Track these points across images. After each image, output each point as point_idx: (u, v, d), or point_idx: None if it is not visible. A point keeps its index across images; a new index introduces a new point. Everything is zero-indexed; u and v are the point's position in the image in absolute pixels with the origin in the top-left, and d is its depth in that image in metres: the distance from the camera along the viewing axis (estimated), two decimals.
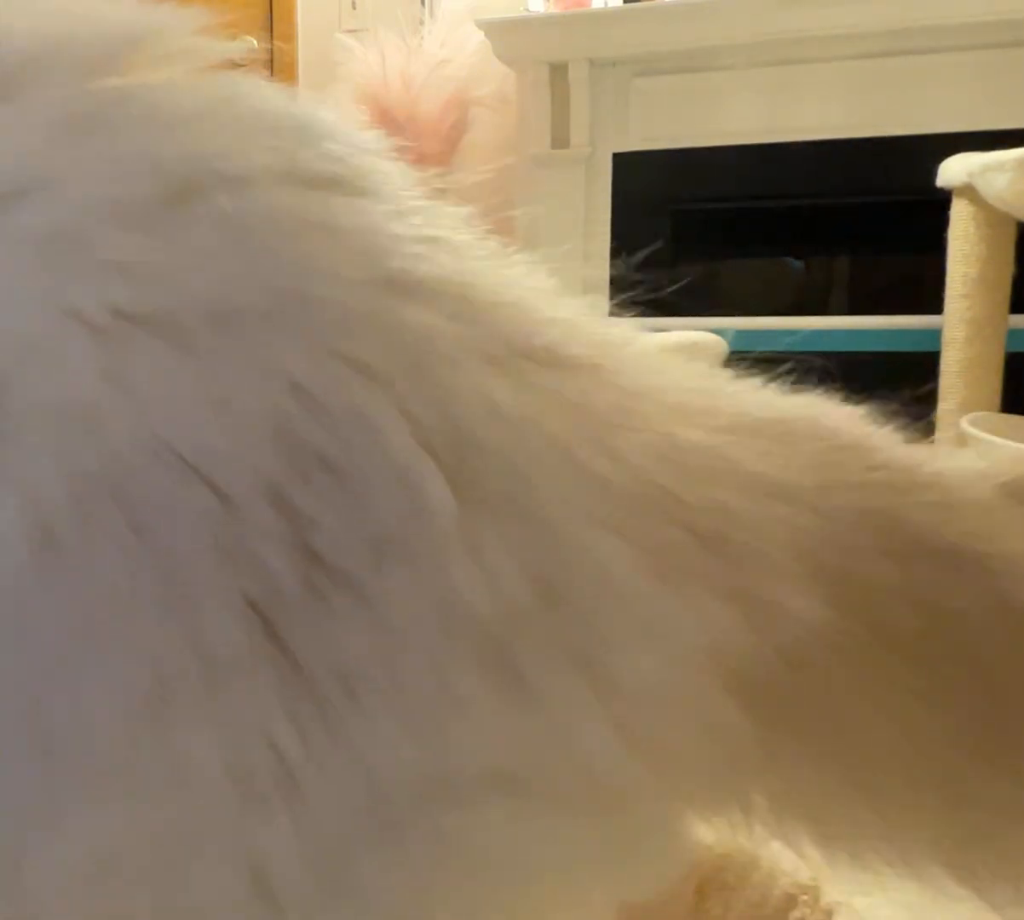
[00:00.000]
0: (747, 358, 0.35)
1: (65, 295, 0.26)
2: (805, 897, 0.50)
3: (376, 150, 0.33)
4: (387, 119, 2.20)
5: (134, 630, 0.24)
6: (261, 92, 0.32)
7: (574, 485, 0.27)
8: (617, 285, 0.36)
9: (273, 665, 0.24)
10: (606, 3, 2.20)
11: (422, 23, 2.35)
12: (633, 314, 0.34)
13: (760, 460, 0.30)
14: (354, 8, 2.56)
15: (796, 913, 0.49)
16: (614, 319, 0.35)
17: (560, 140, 2.15)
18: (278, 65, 2.61)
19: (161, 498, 0.25)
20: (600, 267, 2.19)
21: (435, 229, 0.31)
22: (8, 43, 0.29)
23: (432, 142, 2.23)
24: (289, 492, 0.25)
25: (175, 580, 0.24)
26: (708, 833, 0.30)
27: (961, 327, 1.76)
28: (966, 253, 1.75)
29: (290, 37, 2.62)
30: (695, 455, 0.29)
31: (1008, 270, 1.75)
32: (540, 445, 0.27)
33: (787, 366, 0.36)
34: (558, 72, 2.12)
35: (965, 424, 1.68)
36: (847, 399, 0.35)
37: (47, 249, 0.26)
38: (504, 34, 2.14)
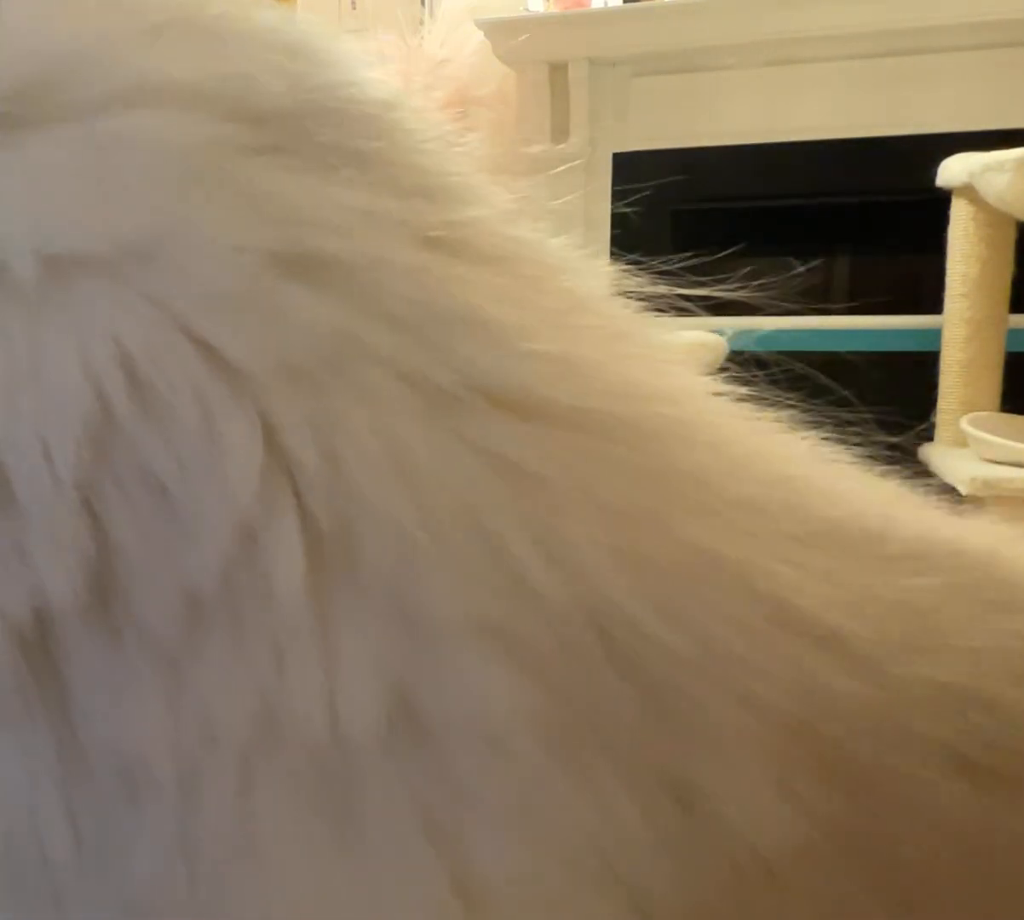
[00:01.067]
0: (747, 358, 0.34)
1: None
2: None
3: (389, 101, 0.25)
4: None
5: None
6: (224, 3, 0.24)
7: (482, 586, 0.19)
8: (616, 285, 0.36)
9: (51, 728, 0.19)
10: (606, 3, 2.20)
11: (422, 23, 2.35)
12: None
13: (816, 585, 0.20)
14: (354, 8, 2.56)
15: None
16: (680, 365, 0.24)
17: (560, 140, 2.15)
18: None
19: None
20: None
21: (433, 212, 0.23)
22: None
23: None
24: (91, 494, 0.19)
25: None
26: None
27: (961, 327, 1.76)
28: (966, 253, 1.75)
29: None
30: (693, 565, 0.20)
31: (1008, 270, 1.75)
32: (453, 522, 0.19)
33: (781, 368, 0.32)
34: (558, 72, 2.12)
35: (965, 424, 1.68)
36: (845, 400, 0.33)
37: None
38: (504, 34, 2.13)
